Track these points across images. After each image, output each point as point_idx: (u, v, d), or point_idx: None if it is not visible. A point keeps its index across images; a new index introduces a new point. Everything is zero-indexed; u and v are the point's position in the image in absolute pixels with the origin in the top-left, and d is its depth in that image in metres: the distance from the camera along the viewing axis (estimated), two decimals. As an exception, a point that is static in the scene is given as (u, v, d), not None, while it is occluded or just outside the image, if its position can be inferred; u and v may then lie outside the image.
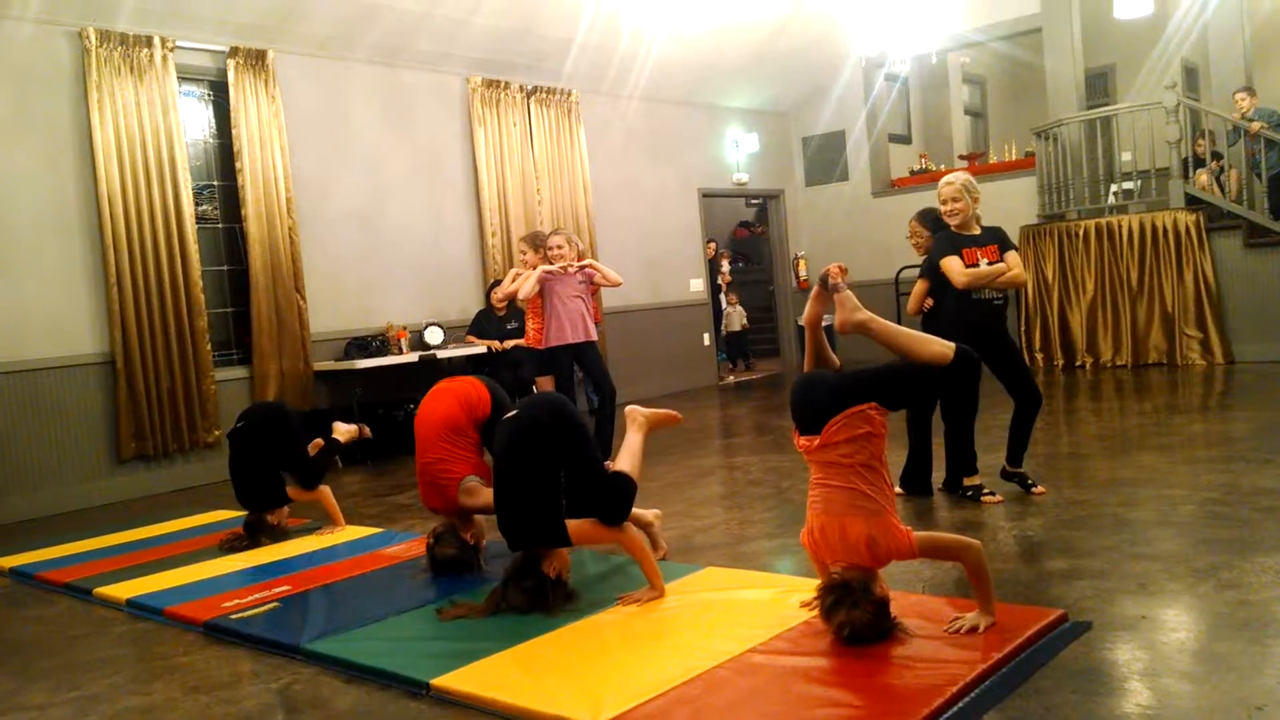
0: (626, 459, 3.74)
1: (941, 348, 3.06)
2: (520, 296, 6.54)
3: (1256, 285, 9.05)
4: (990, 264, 4.68)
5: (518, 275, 7.24)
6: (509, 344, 8.54)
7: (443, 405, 4.19)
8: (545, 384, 7.02)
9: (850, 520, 2.91)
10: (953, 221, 4.76)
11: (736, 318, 13.07)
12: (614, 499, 3.54)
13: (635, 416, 3.97)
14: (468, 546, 4.13)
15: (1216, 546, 3.69)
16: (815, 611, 3.03)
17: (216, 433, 7.32)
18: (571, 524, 3.48)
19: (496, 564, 3.93)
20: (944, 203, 4.77)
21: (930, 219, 5.12)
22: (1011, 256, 4.74)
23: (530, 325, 6.80)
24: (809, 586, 3.55)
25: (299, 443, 5.14)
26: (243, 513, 5.19)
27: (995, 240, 4.75)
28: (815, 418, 3.00)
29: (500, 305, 8.66)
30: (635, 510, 3.71)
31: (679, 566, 3.97)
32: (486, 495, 3.88)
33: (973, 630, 2.92)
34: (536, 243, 6.82)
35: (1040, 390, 4.91)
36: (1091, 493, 4.73)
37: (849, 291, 3.29)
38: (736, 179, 12.11)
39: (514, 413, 3.65)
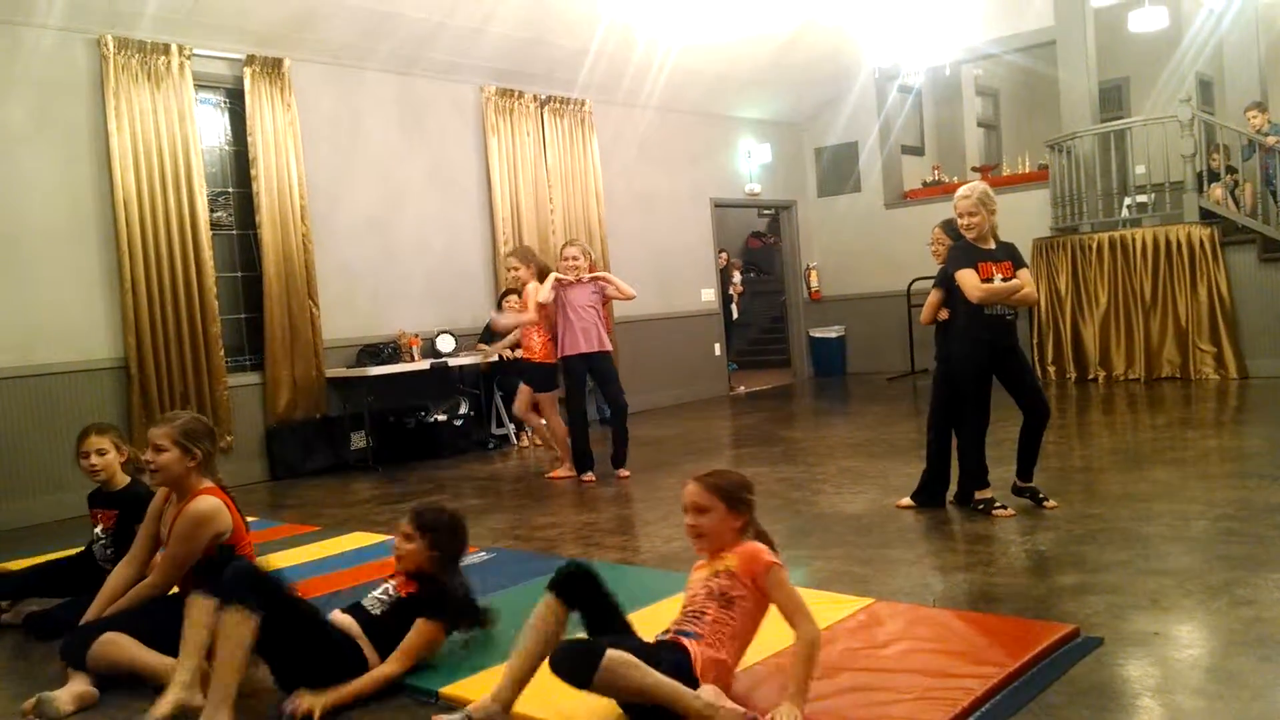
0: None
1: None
2: (540, 300, 6.55)
3: (1271, 300, 9.00)
4: (1005, 280, 4.65)
5: (510, 306, 7.38)
6: (520, 353, 8.56)
7: None
8: (525, 396, 6.91)
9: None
10: (969, 235, 4.73)
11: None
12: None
13: None
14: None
15: (1230, 563, 3.66)
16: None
17: (229, 438, 7.34)
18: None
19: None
20: (960, 216, 4.72)
21: (953, 229, 5.10)
22: (1024, 274, 4.72)
23: (535, 339, 6.78)
24: (820, 599, 3.54)
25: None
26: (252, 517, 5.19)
27: (1009, 257, 4.71)
28: None
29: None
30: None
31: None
32: None
33: None
34: (527, 257, 6.84)
35: (1049, 404, 4.88)
36: (1104, 507, 4.70)
37: None
38: (749, 189, 12.11)
39: None
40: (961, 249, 4.76)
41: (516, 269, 6.82)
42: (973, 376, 4.74)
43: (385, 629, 3.09)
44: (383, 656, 3.04)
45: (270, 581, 2.92)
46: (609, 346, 6.70)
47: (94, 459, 3.92)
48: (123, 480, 4.01)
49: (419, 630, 3.06)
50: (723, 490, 2.71)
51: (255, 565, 3.04)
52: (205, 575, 3.02)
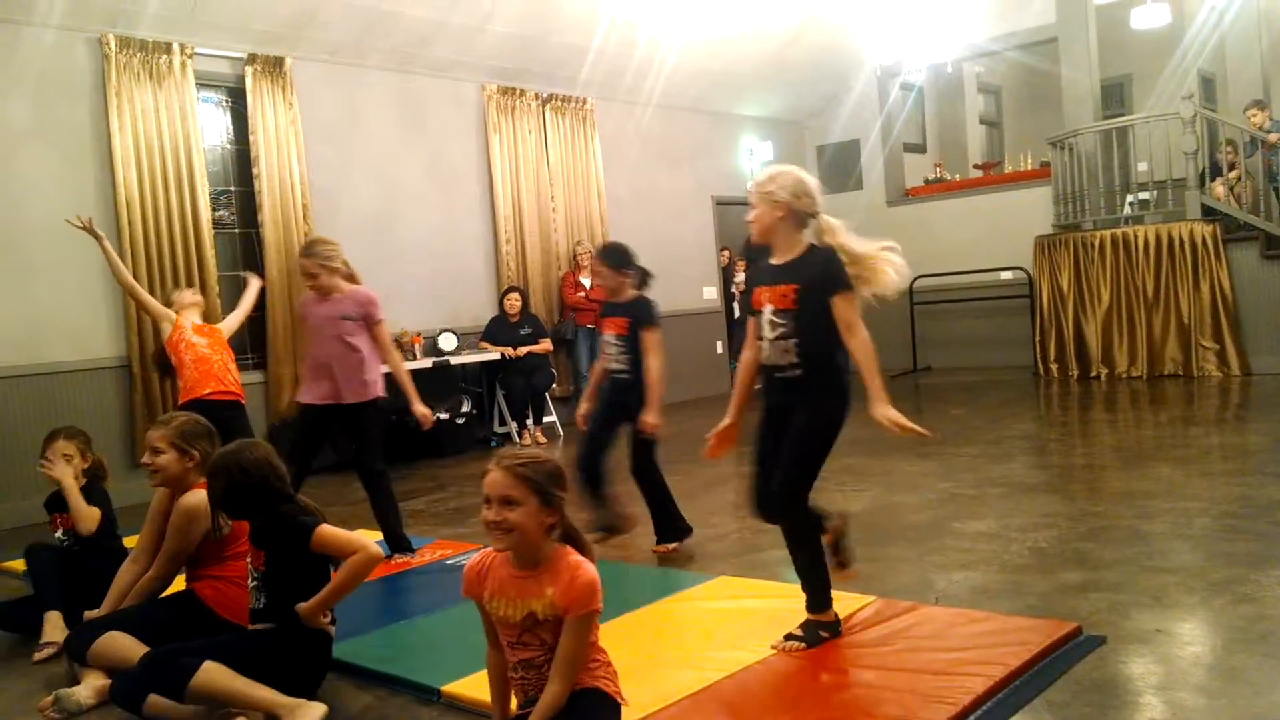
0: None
1: None
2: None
3: (1273, 297, 8.99)
4: (774, 311, 3.27)
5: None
6: (522, 350, 8.57)
7: None
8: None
9: None
10: (763, 242, 3.45)
11: None
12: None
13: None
14: None
15: (1233, 560, 3.66)
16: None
17: (231, 437, 7.35)
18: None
19: None
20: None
21: (613, 255, 4.31)
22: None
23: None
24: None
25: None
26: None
27: (804, 276, 3.30)
28: None
29: (513, 314, 8.69)
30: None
31: (691, 575, 3.97)
32: None
33: None
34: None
35: (778, 507, 3.48)
36: (1106, 505, 4.70)
37: None
38: (751, 187, 12.10)
39: None
40: (752, 271, 3.61)
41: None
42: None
43: (279, 597, 2.93)
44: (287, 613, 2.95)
45: (175, 652, 2.83)
46: (368, 395, 4.83)
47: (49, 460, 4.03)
48: (81, 483, 4.13)
49: (335, 554, 2.94)
50: (535, 481, 2.29)
51: (152, 659, 2.85)
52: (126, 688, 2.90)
